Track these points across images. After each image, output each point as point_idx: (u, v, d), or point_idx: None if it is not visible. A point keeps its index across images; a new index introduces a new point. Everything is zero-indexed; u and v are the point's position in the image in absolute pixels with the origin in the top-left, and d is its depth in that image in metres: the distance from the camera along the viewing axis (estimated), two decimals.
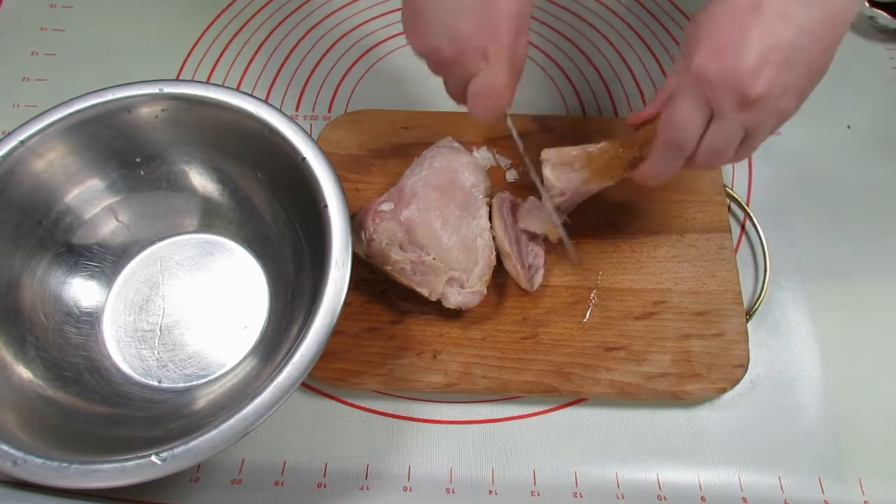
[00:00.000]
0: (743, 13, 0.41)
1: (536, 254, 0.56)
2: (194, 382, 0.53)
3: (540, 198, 0.56)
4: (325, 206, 0.49)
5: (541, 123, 0.65)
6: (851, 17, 0.42)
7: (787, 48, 0.40)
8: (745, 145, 0.45)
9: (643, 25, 0.76)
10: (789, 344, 0.58)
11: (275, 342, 0.52)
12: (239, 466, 0.52)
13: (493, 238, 0.55)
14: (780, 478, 0.52)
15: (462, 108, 0.67)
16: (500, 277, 0.57)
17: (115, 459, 0.41)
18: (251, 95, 0.53)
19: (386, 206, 0.54)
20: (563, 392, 0.53)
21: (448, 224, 0.53)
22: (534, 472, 0.53)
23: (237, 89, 0.53)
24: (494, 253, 0.54)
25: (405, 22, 0.50)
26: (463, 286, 0.53)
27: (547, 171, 0.53)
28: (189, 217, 0.59)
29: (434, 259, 0.52)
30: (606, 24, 0.76)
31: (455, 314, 0.55)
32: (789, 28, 0.40)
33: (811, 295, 0.60)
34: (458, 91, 0.51)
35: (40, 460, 0.41)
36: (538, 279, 0.55)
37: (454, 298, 0.52)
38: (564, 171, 0.53)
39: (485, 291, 0.53)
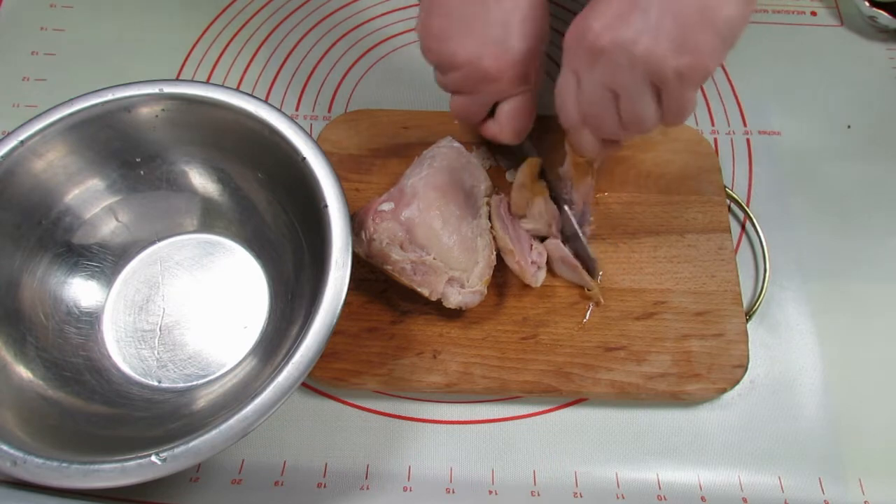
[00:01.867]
0: None
1: (539, 252, 0.56)
2: (194, 382, 0.53)
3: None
4: (325, 206, 0.49)
5: (541, 123, 0.65)
6: None
7: (695, 15, 0.37)
8: (626, 109, 0.42)
9: None
10: (789, 344, 0.58)
11: (275, 342, 0.52)
12: (239, 466, 0.52)
13: (494, 237, 0.55)
14: (780, 478, 0.52)
15: None
16: (500, 277, 0.57)
17: (115, 459, 0.41)
18: (251, 95, 0.53)
19: (386, 206, 0.54)
20: (563, 392, 0.53)
21: (448, 224, 0.53)
22: (534, 472, 0.53)
23: (237, 89, 0.53)
24: (495, 253, 0.54)
25: (426, 26, 0.48)
26: (463, 286, 0.53)
27: (574, 195, 0.55)
28: (189, 217, 0.59)
29: (434, 259, 0.52)
30: None
31: (455, 314, 0.55)
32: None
33: (811, 295, 0.60)
34: (482, 110, 0.49)
35: (40, 460, 0.41)
36: (541, 276, 0.55)
37: (454, 298, 0.52)
38: (581, 188, 0.55)
39: (485, 291, 0.53)
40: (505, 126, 0.49)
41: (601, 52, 0.39)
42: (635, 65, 0.39)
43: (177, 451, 0.41)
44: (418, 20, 0.49)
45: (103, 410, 0.50)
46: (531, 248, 0.56)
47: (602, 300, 0.56)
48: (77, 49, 0.73)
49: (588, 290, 0.56)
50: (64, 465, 0.41)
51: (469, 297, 0.53)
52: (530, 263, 0.55)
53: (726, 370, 0.53)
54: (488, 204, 0.57)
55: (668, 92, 0.40)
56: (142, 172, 0.56)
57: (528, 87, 0.48)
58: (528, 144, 0.57)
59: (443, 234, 0.53)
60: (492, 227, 0.55)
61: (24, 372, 0.49)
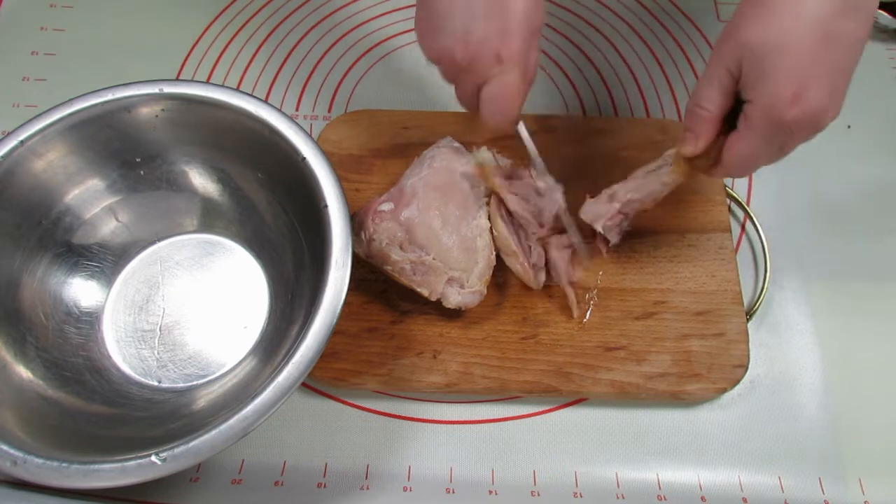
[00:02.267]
0: (814, 44, 0.40)
1: (539, 254, 0.56)
2: (194, 382, 0.53)
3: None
4: (325, 206, 0.49)
5: (541, 123, 0.65)
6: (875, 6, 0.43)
7: (848, 68, 0.42)
8: (786, 148, 0.46)
9: (643, 25, 0.76)
10: (789, 344, 0.58)
11: (275, 342, 0.52)
12: (239, 466, 0.52)
13: (495, 238, 0.55)
14: (780, 478, 0.52)
15: (463, 109, 0.67)
16: (500, 277, 0.57)
17: (115, 459, 0.41)
18: (251, 95, 0.53)
19: (386, 206, 0.54)
20: (563, 392, 0.53)
21: (448, 224, 0.53)
22: (534, 472, 0.53)
23: (237, 89, 0.53)
24: (494, 253, 0.54)
25: (418, 27, 0.50)
26: (463, 286, 0.53)
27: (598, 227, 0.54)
28: (189, 217, 0.59)
29: (434, 259, 0.52)
30: (606, 24, 0.76)
31: (455, 314, 0.55)
32: (852, 48, 0.41)
33: (811, 295, 0.60)
34: (470, 97, 0.50)
35: (40, 460, 0.41)
36: (542, 277, 0.55)
37: (454, 298, 0.52)
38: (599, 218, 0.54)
39: (485, 291, 0.53)
40: (483, 110, 0.50)
41: (822, 127, 0.42)
42: (818, 129, 0.43)
43: (177, 451, 0.41)
44: (415, 22, 0.51)
45: (103, 410, 0.50)
46: (530, 250, 0.56)
47: (575, 314, 0.55)
48: (77, 49, 0.73)
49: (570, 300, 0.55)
50: (64, 465, 0.41)
51: (469, 297, 0.53)
52: (531, 266, 0.55)
53: (726, 370, 0.53)
54: (488, 204, 0.57)
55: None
56: (142, 172, 0.56)
57: (501, 69, 0.48)
58: (528, 141, 0.56)
59: (442, 234, 0.53)
60: (492, 228, 0.55)
61: (24, 372, 0.49)
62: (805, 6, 0.41)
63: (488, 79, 0.48)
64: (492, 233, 0.55)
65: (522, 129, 0.53)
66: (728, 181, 0.64)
